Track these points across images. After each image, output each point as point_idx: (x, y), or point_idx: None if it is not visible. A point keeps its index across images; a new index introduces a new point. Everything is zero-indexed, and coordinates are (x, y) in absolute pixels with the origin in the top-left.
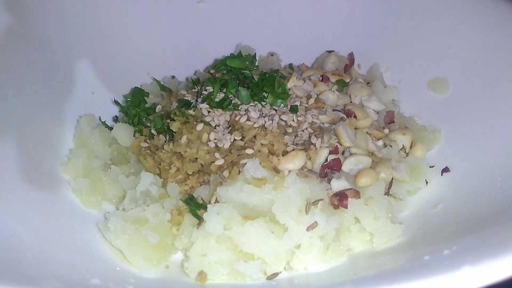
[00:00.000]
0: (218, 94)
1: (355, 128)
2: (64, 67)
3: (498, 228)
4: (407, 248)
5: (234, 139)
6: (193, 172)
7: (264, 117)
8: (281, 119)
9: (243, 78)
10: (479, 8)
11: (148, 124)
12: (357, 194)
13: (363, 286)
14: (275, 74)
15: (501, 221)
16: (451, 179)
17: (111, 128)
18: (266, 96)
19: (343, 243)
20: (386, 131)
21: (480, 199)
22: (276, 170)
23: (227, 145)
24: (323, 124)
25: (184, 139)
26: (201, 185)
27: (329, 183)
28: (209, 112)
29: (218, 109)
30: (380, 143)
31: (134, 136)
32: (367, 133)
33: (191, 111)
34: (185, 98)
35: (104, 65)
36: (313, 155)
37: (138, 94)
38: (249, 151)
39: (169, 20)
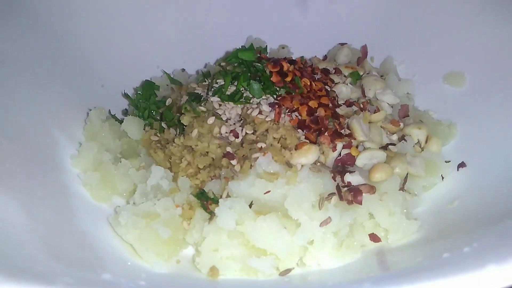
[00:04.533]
0: (229, 87)
1: (369, 122)
2: (73, 59)
3: None
4: (424, 245)
5: (246, 133)
6: (204, 166)
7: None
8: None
9: (255, 71)
10: (496, 0)
11: (158, 118)
12: (371, 189)
13: (384, 284)
14: None
15: None
16: (467, 174)
17: (121, 121)
18: (278, 89)
19: (357, 239)
20: (401, 125)
21: (497, 195)
22: (288, 165)
23: (238, 139)
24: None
25: (195, 132)
26: (212, 179)
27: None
28: (220, 105)
29: (230, 102)
30: (395, 137)
31: (144, 129)
32: (381, 127)
33: (202, 107)
34: (195, 91)
35: (114, 58)
36: (326, 149)
37: (148, 87)
38: (261, 145)
39: (179, 12)
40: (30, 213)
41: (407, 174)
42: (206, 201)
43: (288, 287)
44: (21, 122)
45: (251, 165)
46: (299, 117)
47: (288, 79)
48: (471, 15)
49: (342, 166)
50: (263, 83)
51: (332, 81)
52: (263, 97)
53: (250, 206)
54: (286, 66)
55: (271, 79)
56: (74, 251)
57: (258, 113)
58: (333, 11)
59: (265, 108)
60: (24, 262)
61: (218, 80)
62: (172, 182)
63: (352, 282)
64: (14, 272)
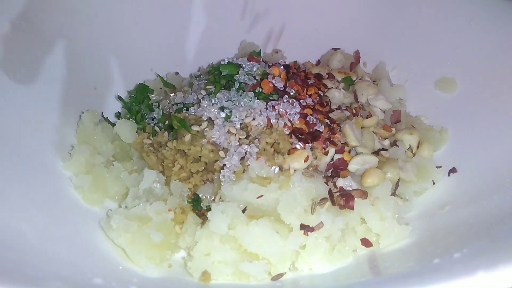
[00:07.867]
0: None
1: (362, 127)
2: (66, 62)
3: (509, 231)
4: (415, 250)
5: (239, 138)
6: (197, 170)
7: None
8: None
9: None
10: (488, 7)
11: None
12: (363, 194)
13: None
14: None
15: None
16: (458, 180)
17: (113, 124)
18: (271, 94)
19: (348, 244)
20: (393, 130)
21: (488, 201)
22: (281, 169)
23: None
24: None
25: (188, 136)
26: (204, 183)
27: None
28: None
29: None
30: (387, 142)
31: (137, 132)
32: (373, 132)
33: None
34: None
35: (107, 61)
36: (319, 154)
37: (142, 91)
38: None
39: (173, 15)
40: (21, 216)
41: (398, 179)
42: (199, 211)
43: None
44: (12, 124)
45: (244, 169)
46: (292, 122)
47: (281, 84)
48: (463, 22)
49: (335, 171)
50: (256, 90)
51: (325, 86)
52: (256, 102)
53: (243, 211)
54: (279, 71)
55: (263, 85)
56: (65, 254)
57: (252, 118)
58: (326, 16)
59: (258, 113)
60: (15, 265)
61: (208, 87)
62: (165, 186)
63: (344, 286)
64: (4, 275)
